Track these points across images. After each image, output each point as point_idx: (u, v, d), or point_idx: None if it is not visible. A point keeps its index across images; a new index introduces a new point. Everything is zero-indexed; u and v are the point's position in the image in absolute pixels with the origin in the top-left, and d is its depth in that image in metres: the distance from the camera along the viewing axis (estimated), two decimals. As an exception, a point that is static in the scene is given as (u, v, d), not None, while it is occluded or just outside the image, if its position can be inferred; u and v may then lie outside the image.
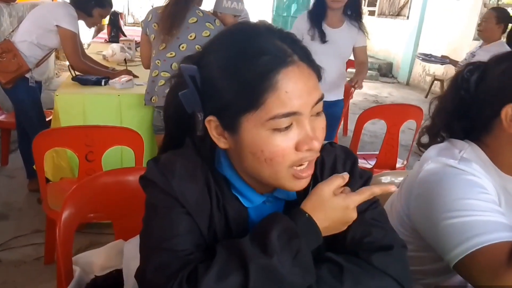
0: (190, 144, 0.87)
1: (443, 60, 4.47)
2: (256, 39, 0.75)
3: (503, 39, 3.77)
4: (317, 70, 0.78)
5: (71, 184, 2.21)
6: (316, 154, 0.78)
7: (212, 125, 0.79)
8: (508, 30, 3.72)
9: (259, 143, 0.74)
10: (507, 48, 3.46)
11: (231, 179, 0.85)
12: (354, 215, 0.81)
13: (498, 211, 0.99)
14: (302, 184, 0.79)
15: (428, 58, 4.69)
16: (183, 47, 2.42)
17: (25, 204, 3.04)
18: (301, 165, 0.77)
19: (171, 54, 2.43)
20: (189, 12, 2.42)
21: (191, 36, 2.41)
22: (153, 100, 2.49)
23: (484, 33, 3.72)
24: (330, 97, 2.88)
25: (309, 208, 0.79)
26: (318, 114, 0.77)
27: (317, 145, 0.75)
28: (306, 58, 0.77)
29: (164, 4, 2.47)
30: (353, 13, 2.88)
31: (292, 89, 0.72)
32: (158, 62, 2.48)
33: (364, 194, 0.80)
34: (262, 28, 0.78)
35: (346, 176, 0.82)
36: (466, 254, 0.95)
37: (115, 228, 1.43)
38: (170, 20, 2.38)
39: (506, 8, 4.86)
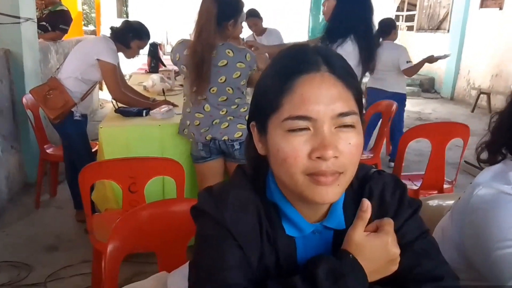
0: (241, 174, 0.88)
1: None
2: (292, 52, 0.81)
3: None
4: (352, 87, 0.77)
5: (116, 215, 2.25)
6: (333, 166, 0.73)
7: (254, 130, 0.84)
8: None
9: (276, 142, 0.76)
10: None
11: (281, 206, 0.84)
12: (395, 250, 0.78)
13: None
14: (322, 192, 0.75)
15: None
16: (213, 90, 2.38)
17: (74, 235, 3.12)
18: (318, 175, 0.74)
19: (203, 97, 2.42)
20: (218, 54, 2.32)
21: (221, 80, 2.36)
22: (185, 132, 2.52)
23: None
24: None
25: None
26: (346, 127, 0.75)
27: (330, 154, 0.72)
28: (339, 72, 0.76)
29: (190, 45, 2.34)
30: None
31: (309, 94, 0.74)
32: (191, 104, 2.48)
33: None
34: (303, 44, 0.84)
35: (364, 206, 0.78)
36: None
37: (158, 258, 1.44)
38: (198, 70, 2.30)
39: None
